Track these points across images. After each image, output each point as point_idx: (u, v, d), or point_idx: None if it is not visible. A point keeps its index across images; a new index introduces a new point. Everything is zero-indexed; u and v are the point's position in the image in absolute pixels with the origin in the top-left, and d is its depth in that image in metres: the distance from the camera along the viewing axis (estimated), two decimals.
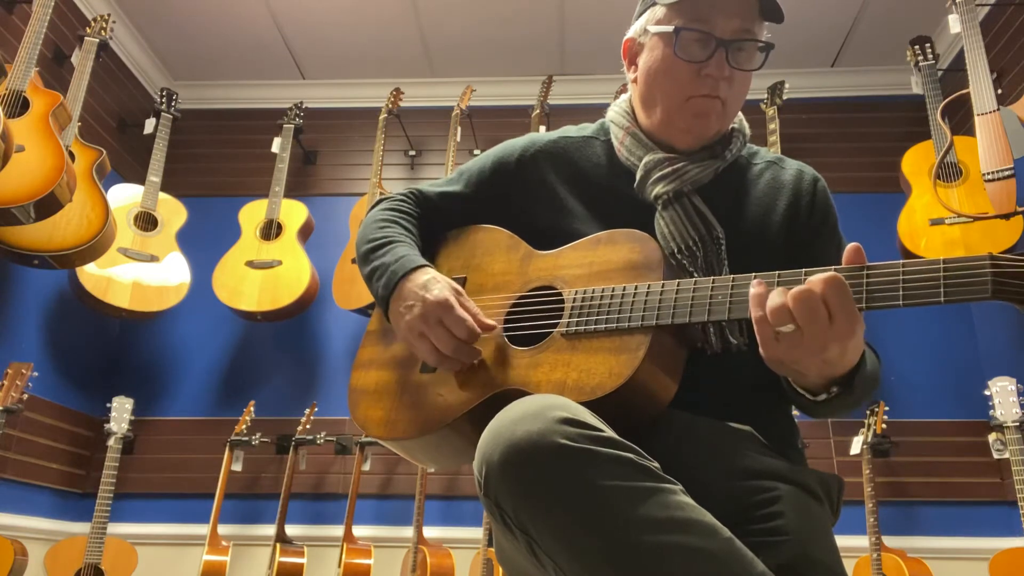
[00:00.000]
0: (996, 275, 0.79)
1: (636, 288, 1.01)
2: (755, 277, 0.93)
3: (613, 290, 1.02)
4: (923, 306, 0.82)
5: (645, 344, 0.95)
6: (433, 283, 1.11)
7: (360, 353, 1.26)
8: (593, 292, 1.04)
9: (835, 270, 0.87)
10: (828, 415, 1.04)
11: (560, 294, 1.08)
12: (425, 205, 1.32)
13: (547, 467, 0.78)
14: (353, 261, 3.24)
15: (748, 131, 1.24)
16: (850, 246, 0.89)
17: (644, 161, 1.16)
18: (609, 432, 0.83)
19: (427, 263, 1.17)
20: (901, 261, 0.85)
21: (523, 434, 0.79)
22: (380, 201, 1.32)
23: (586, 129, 1.29)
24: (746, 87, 1.17)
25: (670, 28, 1.12)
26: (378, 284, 1.16)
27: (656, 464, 0.83)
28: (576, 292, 1.06)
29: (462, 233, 1.28)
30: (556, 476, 0.78)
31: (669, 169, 1.14)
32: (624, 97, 1.27)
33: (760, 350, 0.89)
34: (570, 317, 1.04)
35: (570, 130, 1.30)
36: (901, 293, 0.83)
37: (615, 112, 1.26)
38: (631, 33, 1.23)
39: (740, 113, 1.24)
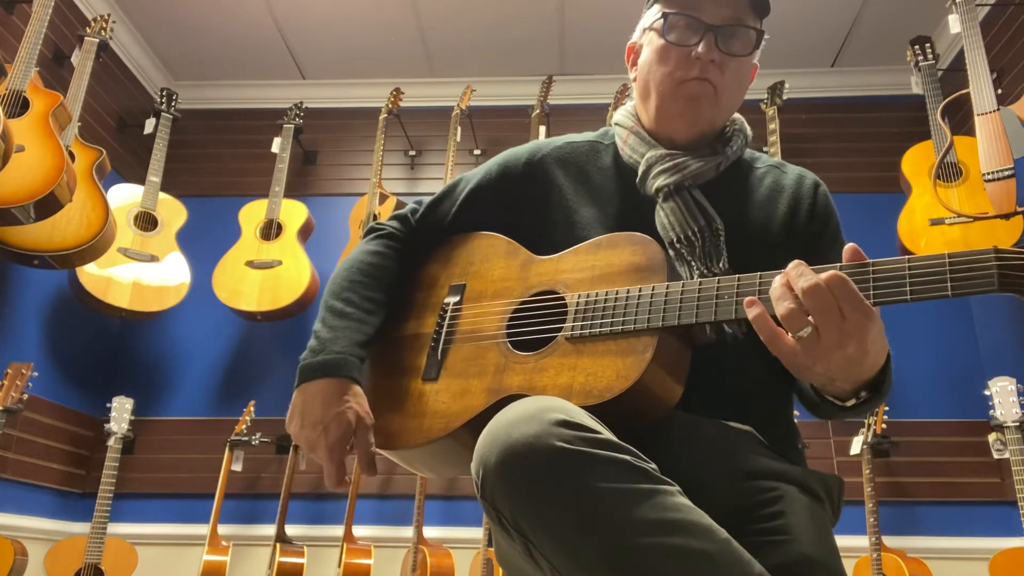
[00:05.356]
0: (1001, 267, 0.80)
1: (640, 290, 1.00)
2: (760, 275, 0.93)
3: (617, 293, 1.01)
4: (931, 300, 0.83)
5: (652, 345, 0.94)
6: (336, 416, 1.08)
7: None
8: (597, 295, 1.03)
9: (839, 267, 0.87)
10: (854, 417, 1.05)
11: (563, 298, 1.08)
12: (419, 228, 1.31)
13: (543, 470, 0.78)
14: None
15: (750, 133, 1.25)
16: (848, 247, 0.88)
17: (646, 157, 1.18)
18: (606, 434, 0.83)
19: (354, 376, 1.12)
20: (907, 256, 0.85)
21: (519, 437, 0.79)
22: (370, 231, 1.31)
23: (589, 136, 1.32)
24: (741, 78, 1.18)
25: (660, 17, 1.16)
26: (306, 354, 1.14)
27: (653, 466, 0.83)
28: (579, 296, 1.05)
29: (460, 240, 1.27)
30: (552, 479, 0.78)
31: (670, 163, 1.16)
32: (630, 102, 1.30)
33: (785, 365, 0.89)
34: (574, 321, 1.03)
35: (574, 137, 1.32)
36: (908, 287, 0.83)
37: (621, 115, 1.28)
38: (633, 38, 1.27)
39: (741, 116, 1.25)
